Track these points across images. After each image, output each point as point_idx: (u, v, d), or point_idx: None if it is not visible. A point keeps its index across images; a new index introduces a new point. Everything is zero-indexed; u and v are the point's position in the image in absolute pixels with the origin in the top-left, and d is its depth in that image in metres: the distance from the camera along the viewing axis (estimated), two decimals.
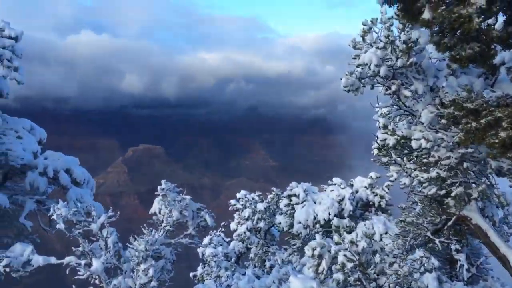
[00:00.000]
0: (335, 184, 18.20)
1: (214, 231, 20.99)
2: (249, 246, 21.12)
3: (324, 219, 16.72)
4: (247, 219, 20.75)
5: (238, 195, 21.80)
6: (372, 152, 10.06)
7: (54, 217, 8.18)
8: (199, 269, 22.23)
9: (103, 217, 8.60)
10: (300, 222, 16.89)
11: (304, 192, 17.53)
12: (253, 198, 21.28)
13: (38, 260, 8.18)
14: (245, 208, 21.00)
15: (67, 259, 8.33)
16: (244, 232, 20.79)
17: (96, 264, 8.00)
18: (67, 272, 8.14)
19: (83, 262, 8.28)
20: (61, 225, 8.19)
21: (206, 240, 20.78)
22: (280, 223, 19.14)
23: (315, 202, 17.64)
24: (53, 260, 8.29)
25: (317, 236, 12.20)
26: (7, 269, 7.86)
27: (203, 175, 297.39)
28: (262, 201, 20.81)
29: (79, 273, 8.22)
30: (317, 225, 16.93)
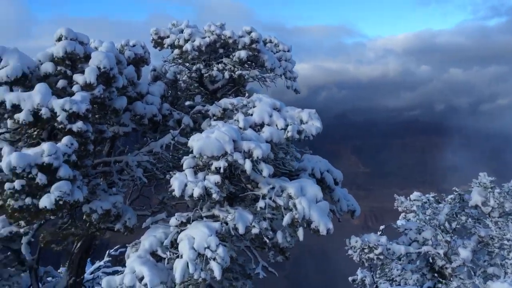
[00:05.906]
0: None
1: (379, 232, 21.04)
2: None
3: None
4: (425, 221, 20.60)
5: (412, 197, 21.74)
6: None
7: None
8: (359, 273, 22.25)
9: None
10: None
11: None
12: (428, 200, 21.10)
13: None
14: (424, 209, 20.87)
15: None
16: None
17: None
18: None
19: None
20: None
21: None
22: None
23: None
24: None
25: None
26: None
27: None
28: (439, 203, 20.51)
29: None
30: None
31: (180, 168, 11.50)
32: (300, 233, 8.57)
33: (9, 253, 11.78)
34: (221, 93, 12.99)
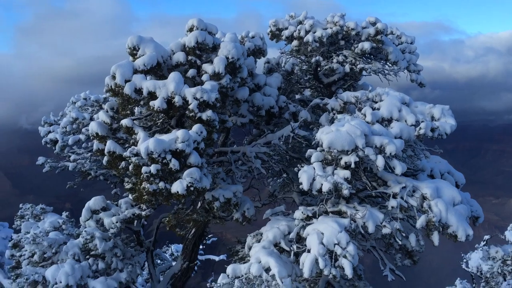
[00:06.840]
0: None
1: (483, 243, 19.07)
2: None
3: None
4: None
5: None
6: None
7: None
8: (458, 284, 20.53)
9: None
10: None
11: None
12: None
13: None
14: None
15: None
16: None
17: None
18: None
19: None
20: None
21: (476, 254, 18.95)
22: None
23: None
24: None
25: None
26: None
27: None
28: None
29: None
30: None
31: (296, 161, 11.34)
32: (435, 237, 7.91)
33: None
34: (336, 87, 12.58)
